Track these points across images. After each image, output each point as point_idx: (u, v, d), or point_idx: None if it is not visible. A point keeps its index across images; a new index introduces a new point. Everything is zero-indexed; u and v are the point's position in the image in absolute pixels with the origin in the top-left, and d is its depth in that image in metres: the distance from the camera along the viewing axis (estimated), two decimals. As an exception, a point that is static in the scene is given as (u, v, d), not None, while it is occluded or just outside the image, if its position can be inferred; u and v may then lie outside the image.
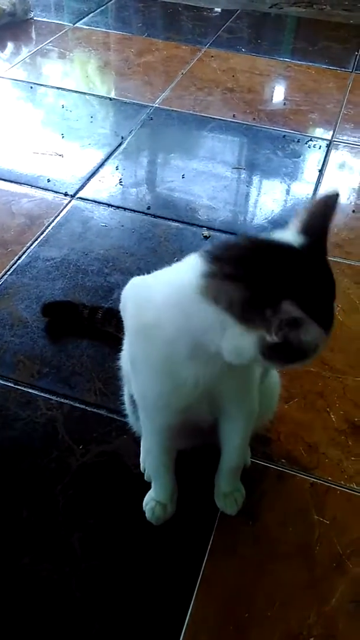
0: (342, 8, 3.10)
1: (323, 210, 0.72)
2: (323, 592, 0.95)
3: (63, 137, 2.03)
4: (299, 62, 2.60)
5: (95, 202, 1.75)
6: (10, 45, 2.64)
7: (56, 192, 1.77)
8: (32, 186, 1.79)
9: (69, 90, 2.31)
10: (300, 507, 1.05)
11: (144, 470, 1.07)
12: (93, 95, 2.30)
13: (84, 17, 2.87)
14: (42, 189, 1.78)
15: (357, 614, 0.92)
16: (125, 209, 1.73)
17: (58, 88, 2.32)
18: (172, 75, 2.42)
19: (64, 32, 2.73)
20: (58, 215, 1.69)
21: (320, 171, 1.94)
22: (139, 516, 1.01)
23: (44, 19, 2.84)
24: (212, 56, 2.59)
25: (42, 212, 1.69)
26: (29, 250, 1.56)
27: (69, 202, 1.74)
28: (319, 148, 2.05)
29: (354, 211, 1.78)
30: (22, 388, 1.22)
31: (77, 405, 1.19)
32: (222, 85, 2.37)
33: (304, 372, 1.28)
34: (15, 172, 1.84)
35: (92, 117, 2.15)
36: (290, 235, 0.70)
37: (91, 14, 2.91)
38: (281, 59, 2.63)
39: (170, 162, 1.98)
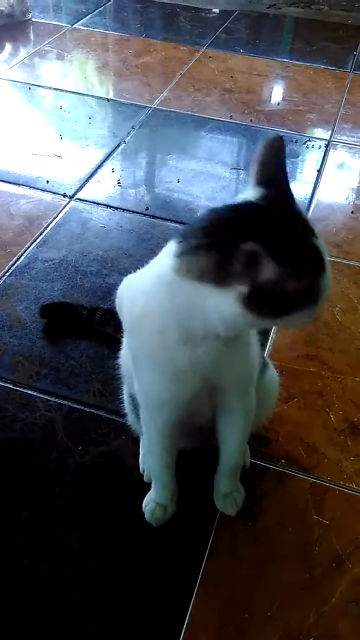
0: (340, 8, 3.11)
1: (272, 156, 0.71)
2: (323, 592, 0.95)
3: (61, 138, 2.03)
4: (297, 63, 2.60)
5: (94, 203, 1.75)
6: (8, 47, 2.64)
7: (55, 193, 1.77)
8: (30, 187, 1.79)
9: (68, 91, 2.31)
10: (300, 507, 1.05)
11: (143, 471, 1.07)
12: (91, 96, 2.30)
13: (82, 18, 2.87)
14: (41, 190, 1.78)
15: (357, 614, 0.92)
16: (123, 209, 1.73)
17: (56, 89, 2.32)
18: (170, 76, 2.42)
19: (62, 33, 2.73)
20: (57, 216, 1.69)
21: (319, 171, 1.94)
22: (138, 517, 1.00)
23: (42, 20, 2.84)
24: (210, 57, 2.59)
25: (41, 213, 1.69)
26: (27, 252, 1.56)
27: (68, 203, 1.74)
28: (318, 148, 2.05)
29: (352, 212, 1.78)
30: (21, 389, 1.22)
31: (76, 406, 1.19)
32: (220, 86, 2.37)
33: (303, 372, 1.28)
34: (13, 173, 1.84)
35: (90, 118, 2.15)
36: (248, 192, 0.70)
37: (89, 15, 2.91)
38: (279, 59, 2.63)
39: (168, 163, 1.98)
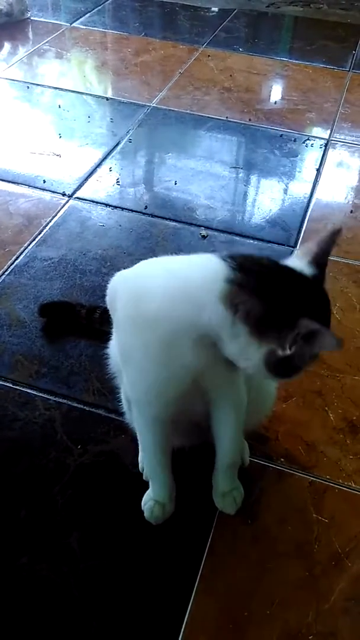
0: (340, 7, 3.11)
1: (331, 243, 0.79)
2: (322, 590, 0.95)
3: (60, 137, 2.03)
4: (297, 62, 2.60)
5: (93, 202, 1.75)
6: (7, 45, 2.64)
7: (54, 192, 1.77)
8: (29, 186, 1.79)
9: (66, 90, 2.31)
10: (299, 505, 1.05)
11: (143, 470, 1.07)
12: (90, 95, 2.30)
13: (81, 17, 2.87)
14: (40, 189, 1.78)
15: (356, 612, 0.92)
16: (122, 208, 1.73)
17: (55, 88, 2.32)
18: (169, 75, 2.42)
19: (61, 32, 2.73)
20: (56, 215, 1.68)
21: (318, 170, 1.94)
22: (138, 516, 1.01)
23: (41, 19, 2.84)
24: (209, 56, 2.59)
25: (40, 212, 1.69)
26: (26, 251, 1.56)
27: (67, 202, 1.74)
28: (317, 147, 2.06)
29: (352, 211, 1.78)
30: (21, 388, 1.22)
31: (75, 405, 1.19)
32: (219, 85, 2.37)
33: (302, 371, 1.28)
34: (12, 172, 1.84)
35: (89, 116, 2.15)
36: (303, 264, 0.77)
37: (88, 14, 2.91)
38: (278, 58, 2.63)
39: (167, 162, 1.98)
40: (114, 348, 0.97)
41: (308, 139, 2.09)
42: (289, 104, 2.30)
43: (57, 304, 1.38)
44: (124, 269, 1.42)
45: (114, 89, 2.36)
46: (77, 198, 1.76)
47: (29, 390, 1.21)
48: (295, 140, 2.08)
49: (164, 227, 1.67)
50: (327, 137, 2.11)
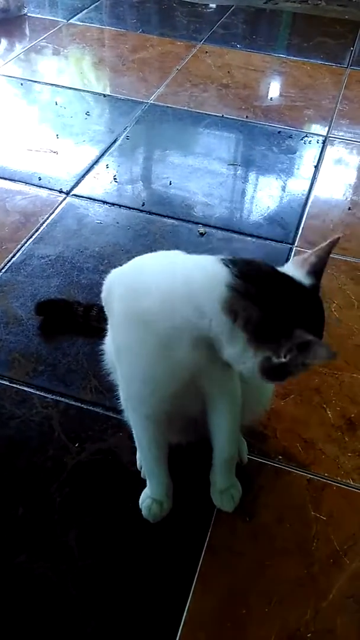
0: (337, 3, 3.10)
1: (328, 253, 0.80)
2: (320, 588, 0.95)
3: (57, 134, 2.02)
4: (294, 58, 2.59)
5: (90, 199, 1.74)
6: (3, 42, 2.62)
7: (51, 189, 1.76)
8: (26, 183, 1.78)
9: (64, 86, 2.30)
10: (297, 503, 1.05)
11: (140, 468, 1.07)
12: (87, 91, 2.29)
13: (78, 13, 2.86)
14: (37, 186, 1.77)
15: (355, 609, 0.92)
16: (120, 206, 1.73)
17: (52, 85, 2.31)
18: (166, 72, 2.41)
19: (57, 28, 2.72)
20: (53, 212, 1.68)
21: (316, 167, 1.93)
22: (136, 514, 1.00)
23: (38, 15, 2.83)
24: (207, 52, 2.58)
25: (37, 209, 1.69)
26: (23, 248, 1.56)
27: (64, 199, 1.73)
28: (315, 144, 2.05)
29: (350, 208, 1.77)
30: (18, 386, 1.21)
31: (73, 403, 1.19)
32: (217, 82, 2.36)
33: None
34: (9, 170, 1.83)
35: (86, 113, 2.14)
36: (302, 273, 0.79)
37: (85, 10, 2.89)
38: (276, 54, 2.62)
39: (165, 159, 1.97)
40: (110, 345, 0.96)
41: (306, 136, 2.08)
42: (287, 101, 2.29)
43: (54, 302, 1.38)
44: (121, 266, 1.40)
45: (111, 85, 2.35)
46: (75, 195, 1.75)
47: (26, 388, 1.21)
48: (293, 137, 2.07)
49: (161, 224, 1.66)
50: (325, 133, 2.11)
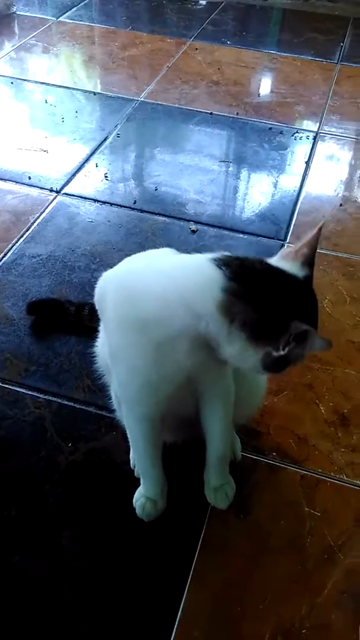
0: (327, -1, 3.10)
1: (316, 241, 0.80)
2: (315, 584, 0.95)
3: (48, 132, 2.01)
4: (285, 54, 2.59)
5: (81, 197, 1.73)
6: (-8, 40, 2.61)
7: (41, 188, 1.76)
8: (16, 182, 1.77)
9: (54, 85, 2.29)
10: (291, 499, 1.05)
11: (134, 467, 1.06)
12: (78, 89, 2.28)
13: (67, 11, 2.84)
14: (27, 185, 1.76)
15: (349, 605, 0.92)
16: (111, 204, 1.72)
17: (42, 83, 2.30)
18: (157, 69, 2.40)
19: (47, 26, 2.71)
20: (44, 211, 1.67)
21: (307, 163, 1.93)
22: (130, 513, 1.00)
23: (27, 13, 2.81)
24: (197, 49, 2.57)
25: (28, 208, 1.68)
26: (14, 247, 1.55)
27: (55, 198, 1.72)
28: (306, 140, 2.05)
29: (341, 204, 1.77)
30: (9, 386, 1.21)
31: (66, 402, 1.18)
32: (207, 78, 2.36)
33: (293, 365, 1.28)
34: (-1, 169, 1.83)
35: (77, 111, 2.13)
36: (295, 266, 0.78)
37: (74, 8, 2.88)
38: (267, 51, 2.62)
39: (156, 156, 1.97)
40: (102, 347, 0.96)
41: (297, 132, 2.08)
42: (278, 97, 2.29)
43: (46, 302, 1.37)
44: (114, 264, 1.40)
45: (102, 83, 2.34)
46: (65, 194, 1.74)
47: (18, 389, 1.20)
48: (284, 134, 2.07)
49: (153, 222, 1.66)
50: (316, 129, 2.11)
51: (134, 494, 1.01)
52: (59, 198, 1.72)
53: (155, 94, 2.24)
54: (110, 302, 0.82)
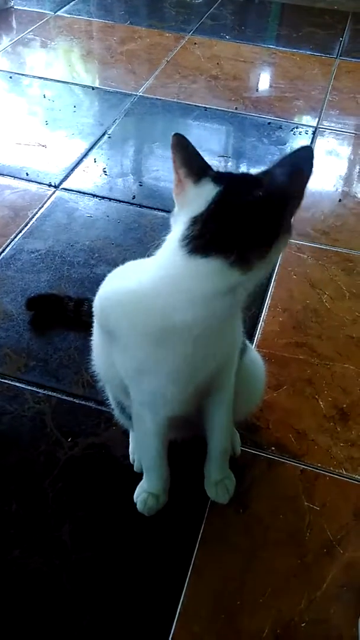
0: (326, -6, 3.08)
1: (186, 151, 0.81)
2: (314, 578, 0.95)
3: (46, 127, 2.01)
4: (284, 49, 2.58)
5: (80, 192, 1.73)
6: (-10, 35, 2.60)
7: (40, 183, 1.75)
8: (15, 177, 1.77)
9: (52, 79, 2.28)
10: (291, 494, 1.05)
11: (134, 461, 1.07)
12: (76, 84, 2.27)
13: (65, 5, 2.83)
14: (26, 180, 1.76)
15: (349, 599, 0.93)
16: (110, 199, 1.72)
17: (40, 78, 2.29)
18: (155, 64, 2.39)
19: (45, 20, 2.69)
20: (42, 206, 1.67)
21: (306, 158, 1.93)
22: (129, 507, 1.00)
23: (25, 8, 2.79)
24: (195, 43, 2.56)
25: (26, 203, 1.67)
26: (13, 243, 1.54)
27: (53, 193, 1.72)
28: (305, 135, 2.04)
29: (340, 200, 1.77)
30: (9, 382, 1.21)
31: (65, 397, 1.18)
32: (206, 73, 2.35)
33: (292, 360, 1.28)
34: (-2, 164, 1.82)
35: (75, 106, 2.12)
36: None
37: (72, 2, 2.87)
38: (265, 45, 2.61)
39: (155, 151, 1.96)
40: (101, 357, 0.94)
41: (296, 127, 2.08)
42: (277, 92, 2.28)
43: (45, 297, 1.37)
44: (112, 260, 1.40)
45: (100, 78, 2.33)
46: (64, 189, 1.74)
47: (17, 384, 1.20)
48: (283, 128, 2.06)
49: (152, 217, 1.65)
50: (315, 124, 2.10)
51: (133, 488, 1.01)
52: (58, 193, 1.72)
53: (154, 88, 2.23)
54: (124, 322, 0.79)
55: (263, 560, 0.97)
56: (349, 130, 2.10)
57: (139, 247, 1.52)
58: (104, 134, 1.98)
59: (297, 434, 1.14)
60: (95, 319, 0.89)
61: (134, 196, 1.72)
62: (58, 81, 2.27)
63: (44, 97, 2.16)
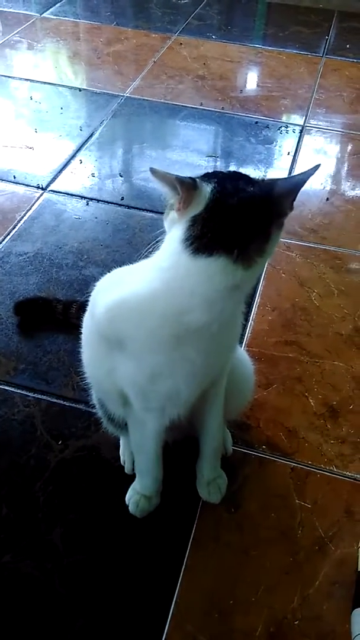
0: (312, -8, 3.09)
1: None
2: (306, 575, 0.95)
3: (34, 129, 2.00)
4: (270, 48, 2.59)
5: (68, 194, 1.73)
6: (-24, 37, 2.59)
7: (27, 185, 1.74)
8: (2, 180, 1.76)
9: (39, 81, 2.27)
10: (282, 492, 1.05)
11: (124, 463, 1.06)
12: (63, 86, 2.27)
13: (51, 7, 2.82)
14: (13, 182, 1.75)
15: (341, 595, 0.93)
16: (98, 200, 1.71)
17: (27, 79, 2.28)
18: (142, 64, 2.39)
19: (31, 22, 2.68)
20: (30, 209, 1.66)
21: (294, 157, 1.94)
22: (121, 509, 1.00)
23: (10, 10, 2.79)
24: (182, 44, 2.56)
25: (14, 206, 1.67)
26: (1, 246, 1.54)
27: (41, 195, 1.71)
28: (292, 133, 2.05)
29: (327, 198, 1.78)
30: (-1, 385, 1.20)
31: (55, 400, 1.18)
32: (193, 73, 2.35)
33: (282, 358, 1.29)
34: (-15, 167, 1.81)
35: (62, 108, 2.12)
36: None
37: (58, 4, 2.86)
38: (252, 45, 2.61)
39: (143, 152, 1.96)
40: (99, 369, 0.92)
41: (283, 126, 2.08)
42: (264, 91, 2.29)
43: (33, 301, 1.36)
44: (101, 261, 1.39)
45: (87, 79, 2.33)
46: (52, 191, 1.73)
47: (6, 388, 1.20)
48: (270, 127, 2.07)
49: (140, 218, 1.65)
50: (302, 123, 2.11)
51: (124, 490, 1.01)
52: (46, 195, 1.71)
53: (141, 89, 2.23)
54: (142, 329, 0.78)
55: (255, 559, 0.97)
56: (335, 129, 2.10)
57: (127, 248, 1.52)
58: (91, 136, 1.98)
59: (287, 432, 1.15)
60: (98, 331, 0.86)
61: (123, 197, 1.72)
62: (45, 83, 2.27)
63: (31, 99, 2.16)
